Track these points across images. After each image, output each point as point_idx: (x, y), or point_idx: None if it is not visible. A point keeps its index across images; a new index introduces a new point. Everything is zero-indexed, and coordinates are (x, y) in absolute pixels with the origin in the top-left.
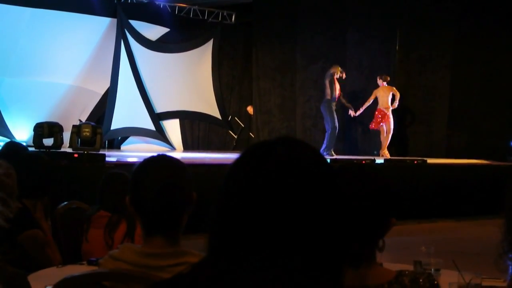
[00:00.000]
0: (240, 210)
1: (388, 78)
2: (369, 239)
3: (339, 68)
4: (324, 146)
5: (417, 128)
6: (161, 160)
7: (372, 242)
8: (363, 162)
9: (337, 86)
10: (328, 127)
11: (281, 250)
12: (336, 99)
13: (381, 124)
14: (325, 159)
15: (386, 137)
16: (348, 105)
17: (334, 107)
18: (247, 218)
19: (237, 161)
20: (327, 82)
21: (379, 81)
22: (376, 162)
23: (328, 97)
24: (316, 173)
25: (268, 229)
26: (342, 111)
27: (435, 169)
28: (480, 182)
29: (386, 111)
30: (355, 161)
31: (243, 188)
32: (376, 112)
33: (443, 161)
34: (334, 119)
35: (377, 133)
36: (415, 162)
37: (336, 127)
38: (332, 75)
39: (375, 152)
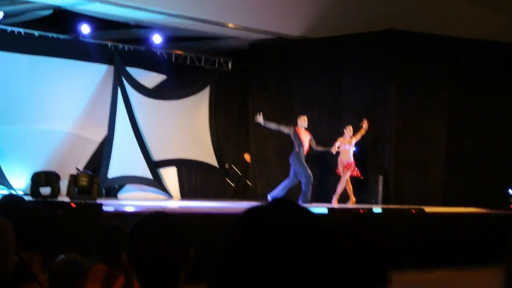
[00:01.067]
0: (238, 273)
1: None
2: None
3: (303, 117)
4: (301, 196)
5: (414, 175)
6: (158, 219)
7: None
8: (361, 211)
9: (304, 136)
10: (302, 178)
11: None
12: (306, 151)
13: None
14: (319, 222)
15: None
16: (324, 149)
17: (303, 159)
18: (246, 280)
19: (236, 225)
20: (291, 136)
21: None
22: (374, 210)
23: (296, 149)
24: (311, 237)
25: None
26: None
27: (433, 218)
28: (478, 231)
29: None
30: (352, 210)
31: (242, 253)
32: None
33: (440, 210)
34: (305, 169)
35: (376, 180)
36: (413, 211)
37: (311, 176)
38: (294, 128)
39: (373, 201)
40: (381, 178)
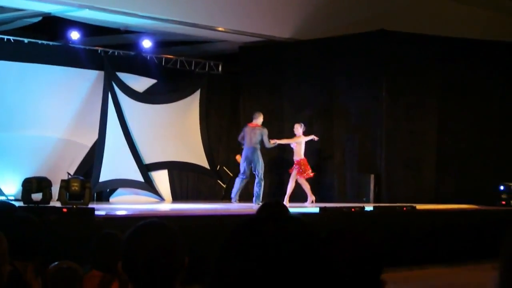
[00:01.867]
0: (235, 282)
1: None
2: None
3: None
4: (254, 197)
5: (406, 174)
6: (152, 227)
7: None
8: (353, 210)
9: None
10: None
11: None
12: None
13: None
14: (310, 231)
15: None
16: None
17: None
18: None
19: (231, 237)
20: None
21: (301, 129)
22: (366, 209)
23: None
24: (303, 248)
25: None
26: (329, 156)
27: (425, 215)
28: (469, 227)
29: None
30: (344, 209)
31: (237, 264)
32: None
33: (432, 207)
34: (262, 168)
35: (367, 179)
36: (404, 208)
37: (262, 179)
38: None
39: (364, 199)
40: (372, 177)
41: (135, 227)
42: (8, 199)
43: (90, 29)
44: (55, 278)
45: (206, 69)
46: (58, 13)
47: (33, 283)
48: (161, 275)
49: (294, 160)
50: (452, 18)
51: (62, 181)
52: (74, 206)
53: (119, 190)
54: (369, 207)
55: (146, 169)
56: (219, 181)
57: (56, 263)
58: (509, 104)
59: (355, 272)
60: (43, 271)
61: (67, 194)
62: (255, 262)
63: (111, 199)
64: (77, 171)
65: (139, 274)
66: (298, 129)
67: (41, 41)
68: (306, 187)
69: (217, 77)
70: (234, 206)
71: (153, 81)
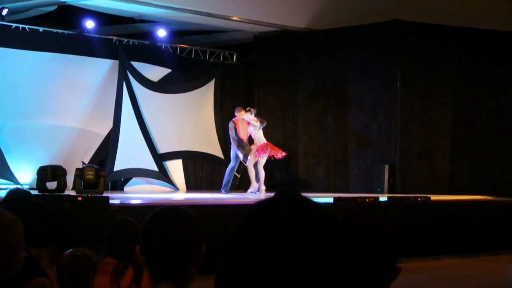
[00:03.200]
0: (248, 266)
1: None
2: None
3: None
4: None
5: (420, 165)
6: (172, 211)
7: None
8: (367, 200)
9: (241, 127)
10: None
11: None
12: (244, 140)
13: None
14: (327, 214)
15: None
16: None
17: (238, 148)
18: (255, 273)
19: (245, 219)
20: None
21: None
22: (380, 199)
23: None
24: (317, 229)
25: (275, 281)
26: (343, 146)
27: (439, 206)
28: (484, 218)
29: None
30: (359, 200)
31: (251, 245)
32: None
33: (446, 198)
34: (234, 159)
35: (382, 170)
36: (419, 199)
37: (234, 168)
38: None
39: (379, 190)
40: (387, 167)
41: (155, 210)
42: (23, 187)
43: (105, 18)
44: (69, 265)
45: (221, 59)
46: (73, 2)
47: (48, 270)
48: (178, 259)
49: (258, 146)
50: (467, 8)
51: (77, 169)
52: (89, 195)
53: (134, 180)
54: (383, 198)
55: (160, 158)
56: None
57: (70, 250)
58: None
59: (371, 258)
60: (57, 258)
61: (82, 182)
62: (270, 244)
63: (125, 189)
64: (92, 160)
65: (156, 256)
66: (249, 115)
67: (56, 30)
68: (253, 173)
69: (231, 67)
70: (250, 196)
71: (168, 70)
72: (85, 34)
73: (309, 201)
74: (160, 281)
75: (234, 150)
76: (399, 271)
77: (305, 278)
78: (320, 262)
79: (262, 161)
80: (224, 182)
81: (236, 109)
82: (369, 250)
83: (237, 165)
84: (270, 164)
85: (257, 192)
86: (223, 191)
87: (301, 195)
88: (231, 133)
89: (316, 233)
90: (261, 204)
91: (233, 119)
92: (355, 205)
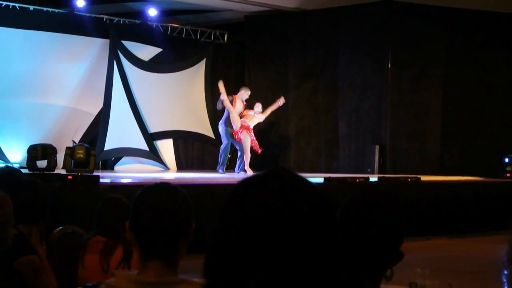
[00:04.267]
0: (236, 241)
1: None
2: (379, 270)
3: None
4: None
5: (410, 145)
6: (162, 187)
7: (380, 273)
8: (357, 180)
9: (238, 105)
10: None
11: (276, 279)
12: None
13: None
14: (316, 190)
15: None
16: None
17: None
18: (243, 249)
19: (232, 194)
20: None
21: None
22: (370, 180)
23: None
24: (307, 205)
25: (263, 258)
26: (333, 127)
27: (429, 187)
28: (473, 199)
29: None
30: (349, 180)
31: (239, 221)
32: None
33: (436, 179)
34: (224, 137)
35: (372, 150)
36: (409, 179)
37: (226, 146)
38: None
39: (369, 170)
40: (377, 148)
41: (145, 187)
42: (13, 165)
43: None
44: (59, 243)
45: (212, 38)
46: None
47: (37, 247)
48: (168, 236)
49: (239, 128)
50: None
51: (67, 148)
52: (79, 174)
53: (124, 159)
54: (373, 178)
55: (151, 137)
56: None
57: (60, 228)
58: None
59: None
60: (47, 236)
61: (72, 161)
62: (257, 222)
63: (116, 168)
64: (82, 139)
65: (146, 233)
66: (257, 108)
67: (47, 8)
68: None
69: (222, 47)
70: (240, 176)
71: (159, 49)
72: (76, 13)
73: (298, 177)
74: (149, 258)
75: (222, 128)
76: (402, 256)
77: (295, 256)
78: (308, 235)
79: (249, 142)
80: (220, 161)
81: (244, 88)
82: (374, 234)
83: (229, 143)
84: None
85: (240, 172)
86: (220, 170)
87: (290, 171)
88: (227, 103)
89: (306, 210)
90: (248, 180)
91: (233, 95)
92: (345, 185)
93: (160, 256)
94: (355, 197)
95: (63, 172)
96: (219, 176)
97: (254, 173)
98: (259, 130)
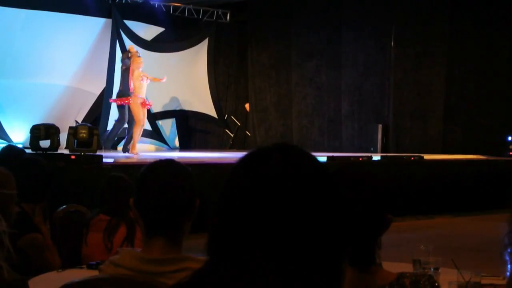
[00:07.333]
0: (239, 216)
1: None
2: (370, 239)
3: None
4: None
5: (413, 124)
6: (168, 163)
7: (373, 242)
8: (360, 159)
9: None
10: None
11: (281, 254)
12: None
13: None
14: (320, 164)
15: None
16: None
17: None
18: (247, 223)
19: (235, 168)
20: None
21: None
22: (373, 159)
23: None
24: (311, 178)
25: (267, 233)
26: (336, 106)
27: (432, 165)
28: (476, 177)
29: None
30: (352, 159)
31: (242, 195)
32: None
33: (439, 157)
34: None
35: (375, 129)
36: (412, 158)
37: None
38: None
39: (372, 149)
40: (380, 127)
41: (150, 163)
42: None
43: None
44: (63, 221)
45: (214, 18)
46: None
47: (41, 226)
48: (172, 212)
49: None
50: None
51: (70, 128)
52: (82, 153)
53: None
54: (376, 157)
55: (154, 117)
56: (226, 130)
57: (63, 206)
58: None
59: (361, 210)
60: (51, 215)
61: (75, 141)
62: (260, 194)
63: (118, 147)
64: (85, 119)
65: (150, 209)
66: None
67: None
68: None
69: (225, 26)
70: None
71: (161, 29)
72: None
73: (302, 151)
74: (153, 235)
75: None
76: (391, 221)
77: (299, 227)
78: (314, 210)
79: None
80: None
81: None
82: (360, 200)
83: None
84: (265, 124)
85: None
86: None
87: (295, 145)
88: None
89: (309, 181)
90: (251, 154)
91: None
92: (348, 163)
93: (164, 233)
94: (337, 170)
95: (66, 151)
96: (222, 156)
97: (259, 147)
98: (263, 109)
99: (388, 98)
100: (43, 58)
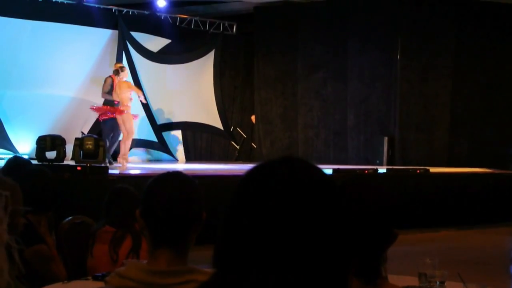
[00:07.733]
0: (246, 229)
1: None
2: (376, 252)
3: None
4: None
5: (419, 136)
6: (176, 175)
7: (379, 255)
8: (366, 172)
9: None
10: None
11: (288, 266)
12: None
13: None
14: (327, 178)
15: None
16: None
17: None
18: (254, 236)
19: (242, 181)
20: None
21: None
22: (379, 171)
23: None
24: (318, 192)
25: (274, 246)
26: (342, 118)
27: (438, 178)
28: (482, 190)
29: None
30: (358, 171)
31: (249, 208)
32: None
33: (445, 170)
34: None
35: (381, 142)
36: (418, 171)
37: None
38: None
39: (378, 161)
40: (386, 139)
41: (158, 175)
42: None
43: None
44: (68, 233)
45: (221, 30)
46: None
47: (46, 237)
48: (179, 224)
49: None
50: None
51: (76, 139)
52: (88, 165)
53: (133, 150)
54: (382, 170)
55: (159, 129)
56: (232, 142)
57: (69, 217)
58: None
59: (368, 223)
60: (57, 226)
61: (81, 152)
62: (266, 208)
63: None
64: (91, 130)
65: (157, 221)
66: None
67: None
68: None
69: (231, 38)
70: (248, 167)
71: (168, 41)
72: (85, 4)
73: (309, 164)
74: (159, 247)
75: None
76: (396, 236)
77: (304, 240)
78: (320, 223)
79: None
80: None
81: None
82: (365, 215)
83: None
84: (271, 135)
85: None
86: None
87: (301, 159)
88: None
89: (316, 198)
90: (257, 167)
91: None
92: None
93: (171, 245)
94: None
95: (72, 163)
96: (228, 168)
97: (266, 161)
98: (269, 121)
99: (394, 111)
100: (50, 69)
